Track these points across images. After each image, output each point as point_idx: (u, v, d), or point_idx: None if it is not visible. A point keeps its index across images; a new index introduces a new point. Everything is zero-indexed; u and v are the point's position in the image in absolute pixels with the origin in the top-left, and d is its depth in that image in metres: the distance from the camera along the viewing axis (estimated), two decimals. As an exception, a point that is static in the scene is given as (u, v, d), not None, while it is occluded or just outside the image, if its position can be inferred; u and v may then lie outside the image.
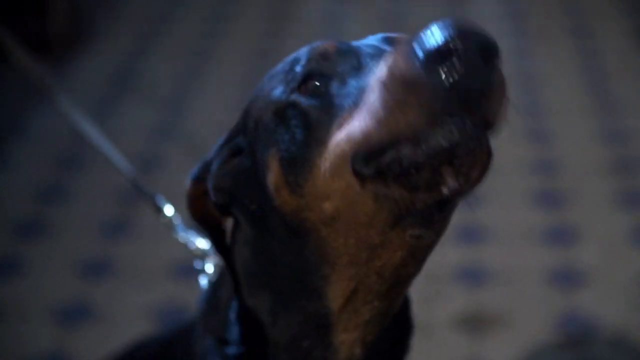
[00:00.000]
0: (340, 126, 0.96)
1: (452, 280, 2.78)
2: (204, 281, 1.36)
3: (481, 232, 2.98)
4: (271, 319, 1.14)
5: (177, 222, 1.50)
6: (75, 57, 4.19)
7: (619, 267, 2.83)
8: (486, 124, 0.90)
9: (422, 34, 0.87)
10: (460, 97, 0.86)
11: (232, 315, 1.18)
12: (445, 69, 0.85)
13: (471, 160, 0.89)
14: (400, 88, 0.88)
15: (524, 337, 2.57)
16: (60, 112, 1.70)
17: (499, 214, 3.08)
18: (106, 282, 2.82)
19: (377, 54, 0.99)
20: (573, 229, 3.00)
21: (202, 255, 1.41)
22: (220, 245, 1.22)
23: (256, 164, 1.08)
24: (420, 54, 0.86)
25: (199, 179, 1.17)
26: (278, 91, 1.04)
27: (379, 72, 0.92)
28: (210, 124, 3.61)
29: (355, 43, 1.07)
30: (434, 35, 0.86)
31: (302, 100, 1.00)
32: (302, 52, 1.06)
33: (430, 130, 0.87)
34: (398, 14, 4.67)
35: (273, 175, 1.03)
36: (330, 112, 0.98)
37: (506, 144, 3.50)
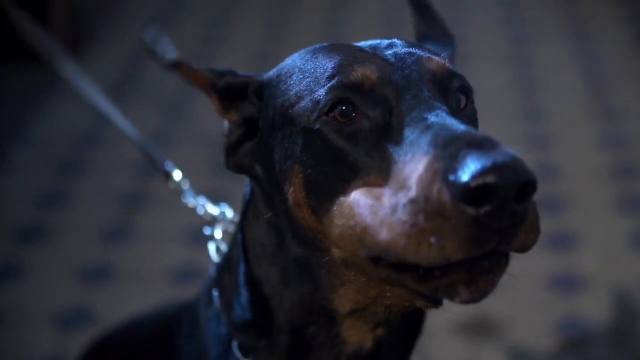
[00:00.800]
0: (364, 184, 0.94)
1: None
2: (212, 246, 1.36)
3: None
4: (277, 296, 1.12)
5: (185, 187, 1.50)
6: (78, 62, 4.18)
7: (618, 272, 2.83)
8: (516, 250, 0.90)
9: (459, 159, 0.84)
10: (492, 231, 0.85)
11: (241, 279, 1.16)
12: (478, 206, 0.84)
13: (489, 280, 0.90)
14: (431, 213, 0.85)
15: (523, 342, 2.58)
16: (70, 85, 1.71)
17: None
18: (106, 287, 2.82)
19: (412, 106, 0.96)
20: (573, 234, 3.00)
21: (212, 221, 1.41)
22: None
23: (271, 159, 1.07)
24: (452, 183, 0.84)
25: (212, 73, 1.17)
26: (307, 104, 1.01)
27: (411, 176, 0.89)
28: (213, 126, 3.61)
29: (391, 56, 1.03)
30: (469, 168, 0.83)
31: (331, 135, 0.98)
32: (336, 63, 1.02)
33: (457, 259, 0.86)
34: (397, 19, 4.68)
35: (294, 192, 1.02)
36: (356, 159, 0.96)
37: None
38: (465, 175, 0.83)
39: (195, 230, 2.96)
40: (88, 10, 4.53)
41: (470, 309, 2.68)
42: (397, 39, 1.09)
